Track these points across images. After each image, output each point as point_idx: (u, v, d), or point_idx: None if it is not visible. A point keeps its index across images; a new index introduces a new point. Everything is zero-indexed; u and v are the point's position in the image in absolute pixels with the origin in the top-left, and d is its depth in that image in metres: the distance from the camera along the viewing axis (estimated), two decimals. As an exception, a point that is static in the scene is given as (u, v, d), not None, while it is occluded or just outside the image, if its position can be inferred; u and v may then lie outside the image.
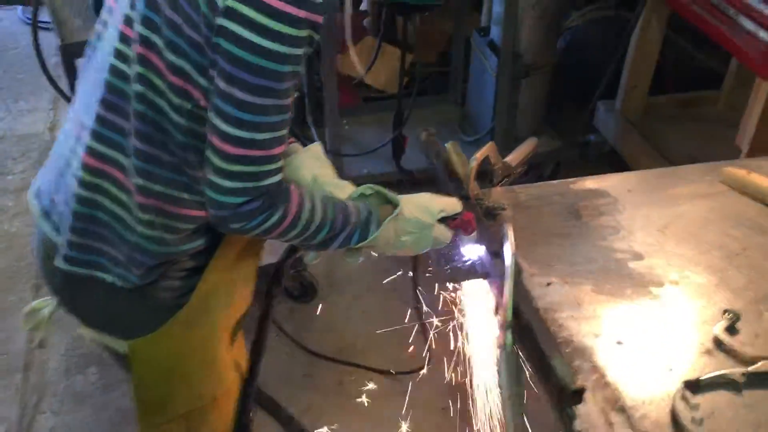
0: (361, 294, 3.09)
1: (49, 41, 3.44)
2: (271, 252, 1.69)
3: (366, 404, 2.64)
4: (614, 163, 3.60)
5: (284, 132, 1.22)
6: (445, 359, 2.59)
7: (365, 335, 2.85)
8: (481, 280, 1.57)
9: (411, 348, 2.72)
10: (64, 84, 3.27)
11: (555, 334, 1.38)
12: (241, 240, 1.42)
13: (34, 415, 2.56)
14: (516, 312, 1.38)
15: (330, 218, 1.33)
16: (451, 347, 1.85)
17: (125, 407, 2.60)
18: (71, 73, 2.60)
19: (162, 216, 1.28)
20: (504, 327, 1.38)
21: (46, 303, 1.51)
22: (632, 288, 1.52)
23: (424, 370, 2.67)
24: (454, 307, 1.76)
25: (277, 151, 1.22)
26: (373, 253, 1.48)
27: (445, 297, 1.81)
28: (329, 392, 2.69)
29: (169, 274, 1.35)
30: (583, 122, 3.73)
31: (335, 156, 3.28)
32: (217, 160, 1.19)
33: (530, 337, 1.36)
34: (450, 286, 1.67)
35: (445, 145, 1.87)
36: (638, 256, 1.61)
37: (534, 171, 3.64)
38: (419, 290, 2.38)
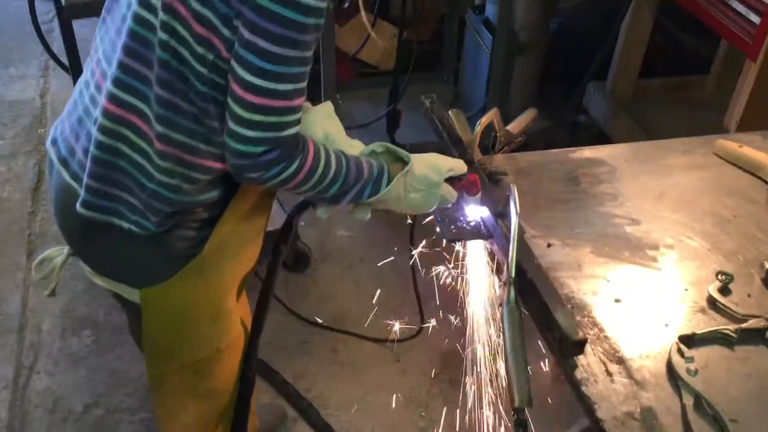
0: (354, 264, 3.13)
1: (41, 8, 3.41)
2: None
3: (359, 371, 2.69)
4: (602, 144, 3.65)
5: (304, 84, 1.26)
6: (436, 326, 2.65)
7: (359, 304, 2.90)
8: (483, 241, 1.62)
9: (405, 318, 2.78)
10: (56, 50, 3.28)
11: (558, 291, 1.43)
12: (254, 193, 1.45)
13: (30, 375, 2.58)
14: (519, 270, 1.43)
15: (343, 172, 1.37)
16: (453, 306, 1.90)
17: (119, 369, 2.63)
18: (68, 35, 2.59)
19: (180, 165, 1.31)
20: (508, 283, 1.43)
21: (59, 252, 1.53)
22: (630, 251, 1.58)
23: (418, 339, 2.72)
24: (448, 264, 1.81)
25: (296, 102, 1.25)
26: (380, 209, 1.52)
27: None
28: (323, 360, 2.73)
29: (184, 223, 1.38)
30: (573, 103, 3.78)
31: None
32: (238, 110, 1.22)
33: (534, 292, 1.41)
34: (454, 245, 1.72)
35: (449, 112, 1.91)
36: (635, 222, 1.66)
37: (525, 150, 3.68)
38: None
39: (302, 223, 1.59)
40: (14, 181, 3.51)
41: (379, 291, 2.84)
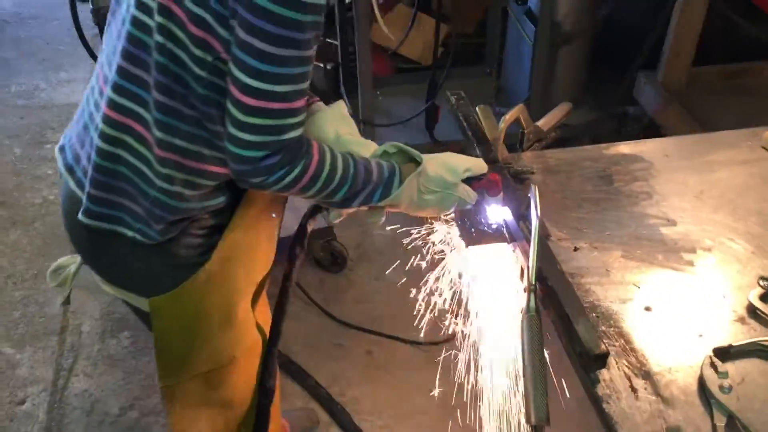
0: (391, 264, 3.07)
1: (87, 13, 3.45)
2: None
3: (395, 375, 2.63)
4: (653, 137, 3.49)
5: (305, 85, 1.20)
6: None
7: (395, 305, 2.83)
8: (506, 244, 1.54)
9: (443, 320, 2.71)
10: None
11: (581, 299, 1.34)
12: (262, 198, 1.41)
13: (69, 377, 2.61)
14: (541, 276, 1.35)
15: (351, 175, 1.31)
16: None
17: (155, 372, 2.63)
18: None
19: (181, 171, 1.27)
20: (527, 290, 1.34)
21: (73, 260, 1.52)
22: (664, 254, 1.47)
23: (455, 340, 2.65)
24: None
25: (297, 104, 1.20)
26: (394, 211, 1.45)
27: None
28: (358, 362, 2.68)
29: (189, 231, 1.35)
30: (622, 93, 3.63)
31: (368, 126, 3.25)
32: (236, 113, 1.18)
33: (555, 300, 1.32)
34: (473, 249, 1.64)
35: (476, 108, 1.84)
36: (671, 222, 1.55)
37: (568, 144, 3.56)
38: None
39: (334, 222, 1.52)
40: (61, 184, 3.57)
41: (415, 291, 2.77)
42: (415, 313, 2.75)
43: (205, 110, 1.22)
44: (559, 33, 3.30)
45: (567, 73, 3.51)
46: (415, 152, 1.40)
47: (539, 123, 1.81)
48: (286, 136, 1.20)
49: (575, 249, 1.49)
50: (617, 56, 3.68)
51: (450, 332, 2.66)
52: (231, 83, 1.17)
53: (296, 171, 1.23)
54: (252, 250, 1.46)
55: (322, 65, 3.60)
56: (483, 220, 1.55)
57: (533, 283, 1.33)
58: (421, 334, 2.66)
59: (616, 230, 1.54)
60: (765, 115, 3.41)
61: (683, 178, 1.68)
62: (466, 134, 1.76)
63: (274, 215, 1.50)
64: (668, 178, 1.68)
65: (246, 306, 1.52)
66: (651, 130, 3.62)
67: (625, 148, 1.79)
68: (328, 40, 3.72)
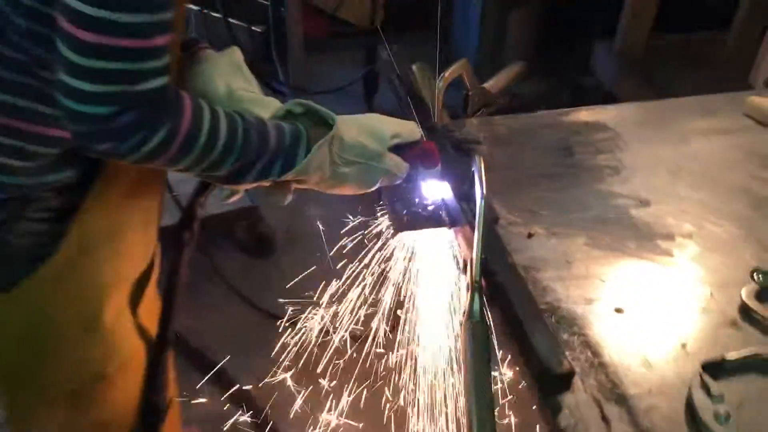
0: (324, 251, 2.76)
1: None
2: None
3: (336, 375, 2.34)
4: (610, 108, 3.27)
5: (167, 15, 0.88)
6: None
7: (327, 295, 2.53)
8: (444, 229, 1.25)
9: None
10: None
11: (537, 299, 1.06)
12: (130, 170, 1.09)
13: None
14: (488, 270, 1.06)
15: (239, 141, 1.00)
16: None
17: None
18: None
19: (8, 135, 0.95)
20: (470, 288, 1.06)
21: None
22: (636, 241, 1.20)
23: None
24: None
25: (157, 42, 0.88)
26: (301, 188, 1.15)
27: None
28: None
29: (25, 214, 1.02)
30: (578, 63, 3.39)
31: (300, 94, 2.93)
32: (70, 54, 0.85)
33: (505, 302, 1.05)
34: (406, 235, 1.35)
35: (412, 66, 1.54)
36: (644, 203, 1.29)
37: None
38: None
39: (226, 201, 1.20)
40: None
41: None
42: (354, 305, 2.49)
43: (30, 50, 0.91)
44: (511, -6, 3.03)
45: (518, 39, 3.24)
46: (326, 112, 1.10)
47: (487, 85, 1.53)
48: (142, 87, 0.88)
49: (529, 235, 1.21)
50: (572, 22, 3.44)
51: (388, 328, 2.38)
52: (60, 12, 0.84)
53: (160, 135, 0.92)
54: (119, 238, 1.14)
55: (248, 26, 3.24)
56: (417, 200, 1.26)
57: (477, 279, 1.05)
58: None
59: (579, 212, 1.26)
60: (727, 88, 3.24)
61: (655, 151, 1.42)
62: (399, 95, 1.46)
63: (149, 192, 1.18)
64: (638, 151, 1.41)
65: (116, 309, 1.20)
66: (608, 102, 3.39)
67: (586, 114, 1.52)
68: (258, 0, 3.37)
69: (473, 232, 1.12)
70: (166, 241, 1.33)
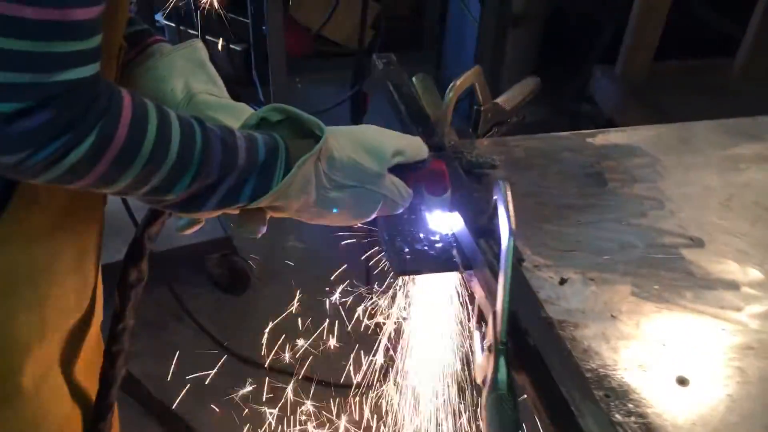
0: (308, 286, 2.51)
1: None
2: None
3: (306, 425, 2.08)
4: (612, 137, 3.07)
5: None
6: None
7: (309, 338, 2.28)
8: (456, 273, 1.01)
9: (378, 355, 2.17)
10: None
11: (581, 369, 0.82)
12: (56, 190, 0.84)
13: None
14: (514, 329, 0.83)
15: (197, 154, 0.76)
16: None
17: None
18: None
19: None
20: (494, 351, 0.82)
21: None
22: (693, 291, 0.97)
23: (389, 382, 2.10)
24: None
25: (78, 14, 0.64)
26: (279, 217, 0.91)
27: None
28: (261, 410, 2.11)
29: None
30: (576, 88, 3.20)
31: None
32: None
33: (539, 369, 0.81)
34: (405, 280, 1.11)
35: (413, 78, 1.31)
36: (696, 242, 1.06)
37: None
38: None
39: (184, 232, 0.93)
40: None
41: (335, 321, 2.23)
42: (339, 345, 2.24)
43: None
44: (509, 13, 2.83)
45: (515, 62, 3.05)
46: (312, 119, 0.86)
47: (499, 100, 1.30)
48: (59, 77, 0.64)
49: (562, 281, 0.97)
50: (570, 47, 3.27)
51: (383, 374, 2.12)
52: None
53: (85, 145, 0.67)
54: (43, 280, 0.89)
55: (227, 45, 3.02)
56: (421, 235, 1.02)
57: (503, 340, 0.81)
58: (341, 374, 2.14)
59: (619, 253, 1.03)
60: (732, 116, 3.07)
61: (701, 179, 1.19)
62: (398, 110, 1.23)
63: (84, 220, 0.93)
64: (681, 179, 1.19)
65: (42, 369, 0.94)
66: (608, 130, 3.21)
67: (616, 136, 1.30)
68: (239, 18, 3.16)
69: (494, 277, 0.89)
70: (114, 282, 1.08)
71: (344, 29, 3.35)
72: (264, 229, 0.94)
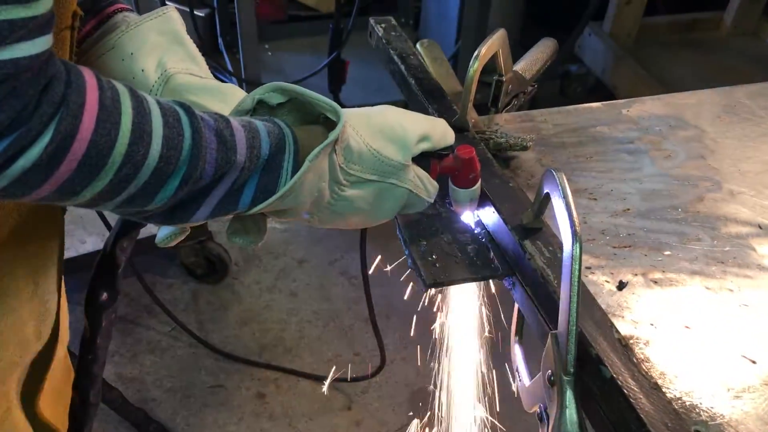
0: (291, 270, 2.34)
1: None
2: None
3: (296, 425, 1.93)
4: (601, 99, 2.92)
5: None
6: (404, 359, 1.91)
7: (296, 327, 2.13)
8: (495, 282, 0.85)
9: (360, 347, 2.02)
10: None
11: (666, 398, 0.67)
12: (8, 207, 0.66)
13: None
14: (583, 355, 0.68)
15: (186, 151, 0.59)
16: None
17: None
18: None
19: None
20: (559, 383, 0.67)
21: None
22: (776, 290, 0.82)
23: (377, 378, 1.96)
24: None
25: None
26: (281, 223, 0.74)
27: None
28: (246, 409, 1.96)
29: None
30: (564, 49, 3.02)
31: (252, 88, 2.49)
32: None
33: (618, 406, 0.65)
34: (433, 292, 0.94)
35: (417, 45, 1.14)
36: (766, 229, 0.91)
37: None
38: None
39: (166, 245, 0.75)
40: None
41: (323, 307, 2.08)
42: (320, 336, 2.09)
43: None
44: (494, -30, 2.64)
45: (500, 24, 2.85)
46: (325, 101, 0.69)
47: (518, 67, 1.13)
48: (4, 55, 0.46)
49: (621, 286, 0.82)
50: (556, 6, 3.09)
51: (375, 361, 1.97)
52: None
53: (39, 145, 0.50)
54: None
55: (189, 11, 2.78)
56: (449, 236, 0.86)
57: (572, 369, 0.66)
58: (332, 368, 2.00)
59: (680, 247, 0.88)
60: (725, 73, 2.94)
61: (759, 153, 1.04)
62: (405, 84, 1.06)
63: (40, 237, 0.75)
64: (735, 154, 1.04)
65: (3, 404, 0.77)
66: (597, 92, 3.06)
67: (653, 105, 1.14)
68: (201, -19, 2.92)
69: (548, 288, 0.74)
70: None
71: (314, -9, 3.13)
72: (264, 238, 0.77)
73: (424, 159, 0.79)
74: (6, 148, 0.49)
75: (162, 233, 0.78)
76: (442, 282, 0.81)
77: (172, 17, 0.77)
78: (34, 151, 0.51)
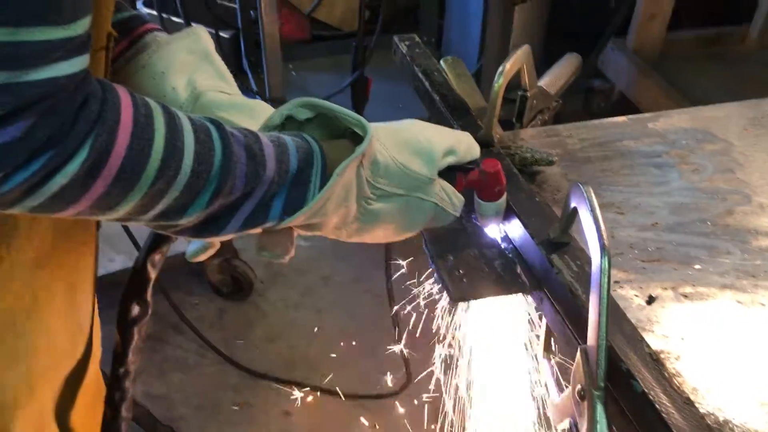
0: (316, 287, 2.35)
1: None
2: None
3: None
4: (625, 114, 2.91)
5: None
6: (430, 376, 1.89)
7: (321, 345, 2.13)
8: (519, 295, 0.85)
9: (386, 363, 2.02)
10: None
11: (702, 417, 0.66)
12: (40, 220, 0.67)
13: None
14: (614, 370, 0.67)
15: (217, 166, 0.61)
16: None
17: None
18: None
19: None
20: (589, 398, 0.67)
21: None
22: (809, 304, 0.81)
23: (403, 395, 1.95)
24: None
25: None
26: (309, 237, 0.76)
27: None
28: (272, 428, 1.96)
29: None
30: (587, 64, 3.02)
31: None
32: None
33: (648, 422, 0.65)
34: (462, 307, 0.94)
35: (441, 61, 1.15)
36: (796, 243, 0.90)
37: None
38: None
39: (196, 259, 0.76)
40: None
41: (348, 324, 2.09)
42: (345, 353, 2.09)
43: None
44: (516, -14, 2.65)
45: (523, 39, 2.86)
46: (352, 115, 0.71)
47: (542, 83, 1.14)
48: (36, 75, 0.48)
49: (650, 300, 0.81)
50: (580, 19, 3.09)
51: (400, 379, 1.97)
52: None
53: (76, 161, 0.52)
54: (27, 325, 0.72)
55: (215, 32, 2.82)
56: (475, 251, 0.86)
57: (601, 384, 0.66)
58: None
59: (709, 260, 0.87)
60: (750, 88, 2.91)
61: (785, 166, 1.03)
62: (430, 101, 1.06)
63: (75, 254, 0.76)
64: (764, 167, 1.03)
65: (35, 422, 0.79)
66: (621, 106, 3.05)
67: (680, 118, 1.13)
68: (225, 3, 2.96)
69: (572, 302, 0.74)
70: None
71: (337, 10, 3.16)
72: (293, 252, 0.78)
73: (449, 173, 0.80)
74: (45, 164, 0.51)
75: (192, 247, 0.79)
76: (469, 297, 0.81)
77: (201, 36, 0.79)
78: (72, 167, 0.52)
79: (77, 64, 0.50)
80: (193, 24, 2.78)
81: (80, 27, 0.50)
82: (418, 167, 0.74)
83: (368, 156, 0.70)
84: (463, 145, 0.80)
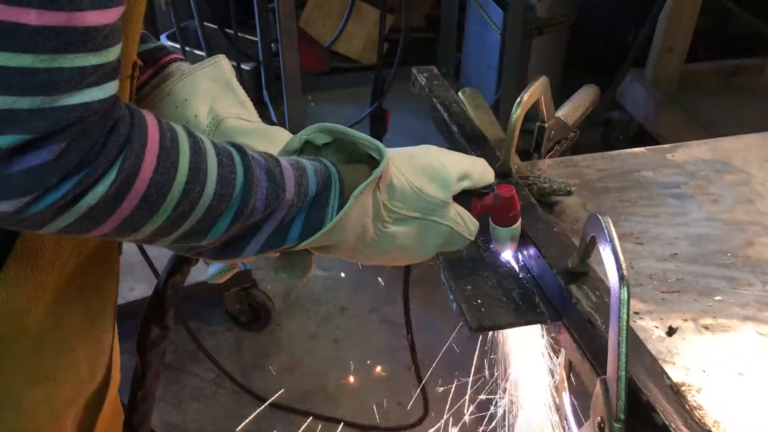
0: (333, 317, 2.35)
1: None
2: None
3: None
4: (644, 146, 2.91)
5: None
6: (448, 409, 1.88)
7: (338, 375, 2.12)
8: (538, 327, 0.85)
9: (403, 394, 2.01)
10: None
11: (725, 451, 0.66)
12: (64, 242, 0.68)
13: None
14: (636, 401, 0.66)
15: (239, 189, 0.62)
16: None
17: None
18: None
19: None
20: (610, 426, 0.66)
21: None
22: (833, 337, 0.80)
23: (420, 427, 1.93)
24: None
25: (93, 19, 0.49)
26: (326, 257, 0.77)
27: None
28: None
29: None
30: (605, 96, 3.02)
31: (297, 138, 2.55)
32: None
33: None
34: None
35: (459, 93, 1.16)
36: (820, 274, 0.89)
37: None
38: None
39: (216, 281, 0.76)
40: None
41: (365, 354, 2.08)
42: (362, 383, 2.08)
43: None
44: (534, 19, 2.67)
45: (541, 70, 2.87)
46: (369, 140, 0.72)
47: (560, 114, 1.14)
48: (69, 101, 0.50)
49: (670, 332, 0.81)
50: (598, 52, 3.10)
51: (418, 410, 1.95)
52: None
53: (105, 182, 0.53)
54: (48, 349, 0.73)
55: (236, 65, 2.87)
56: (492, 279, 0.86)
57: (621, 416, 0.65)
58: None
59: (730, 291, 0.86)
60: (768, 118, 2.90)
61: (806, 197, 1.02)
62: (448, 131, 1.07)
63: (97, 275, 0.77)
64: (783, 197, 1.02)
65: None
66: (639, 138, 3.04)
67: (699, 150, 1.13)
68: (246, 36, 3.01)
69: (590, 332, 0.73)
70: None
71: (356, 43, 3.20)
72: (311, 274, 0.78)
73: (464, 197, 0.80)
74: (75, 186, 0.52)
75: (212, 270, 0.80)
76: (487, 327, 0.81)
77: (223, 66, 0.81)
78: (100, 188, 0.54)
79: (108, 89, 0.52)
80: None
81: (111, 54, 0.51)
82: (434, 191, 0.75)
83: (384, 180, 0.71)
84: (478, 169, 0.81)
